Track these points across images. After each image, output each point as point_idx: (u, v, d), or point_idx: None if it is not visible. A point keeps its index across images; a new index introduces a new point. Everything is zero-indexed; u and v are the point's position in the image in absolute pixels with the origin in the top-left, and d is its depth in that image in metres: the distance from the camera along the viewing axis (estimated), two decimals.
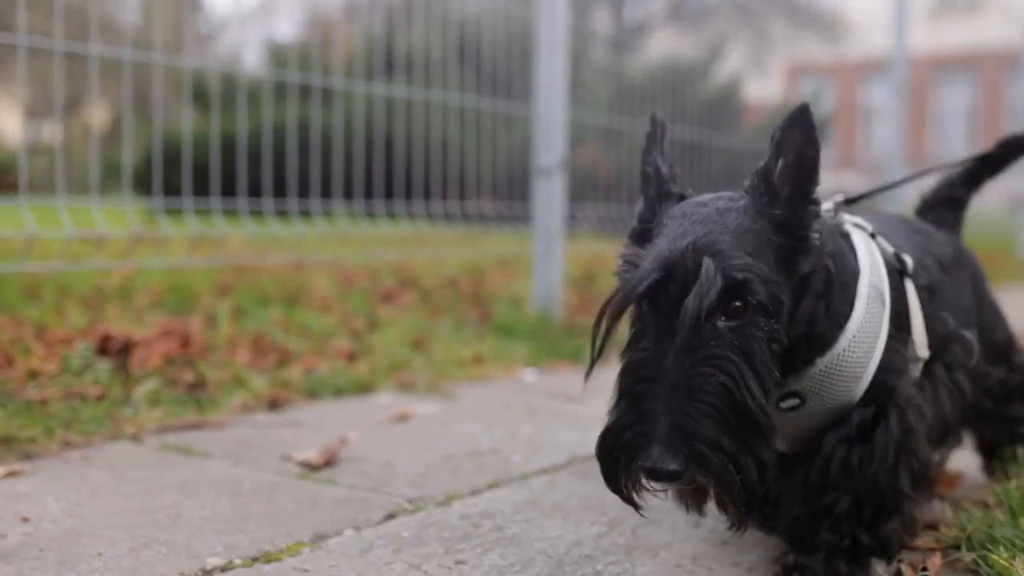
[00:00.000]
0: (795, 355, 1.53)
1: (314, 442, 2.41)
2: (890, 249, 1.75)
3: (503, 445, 2.48)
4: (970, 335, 1.84)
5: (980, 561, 1.59)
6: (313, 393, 2.98)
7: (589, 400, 3.03)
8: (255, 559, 1.66)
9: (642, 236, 1.56)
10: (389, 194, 4.94)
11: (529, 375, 3.52)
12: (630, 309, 1.43)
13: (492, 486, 2.12)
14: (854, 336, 1.58)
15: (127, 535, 1.75)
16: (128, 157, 4.53)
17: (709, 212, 1.48)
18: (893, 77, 8.11)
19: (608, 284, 5.44)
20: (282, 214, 4.25)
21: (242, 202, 4.02)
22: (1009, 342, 2.06)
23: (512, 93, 6.09)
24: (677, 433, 1.30)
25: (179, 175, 3.84)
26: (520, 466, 2.28)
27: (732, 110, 11.82)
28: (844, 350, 1.57)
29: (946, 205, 2.13)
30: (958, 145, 26.79)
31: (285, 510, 1.92)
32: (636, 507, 1.40)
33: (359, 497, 2.02)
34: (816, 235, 1.52)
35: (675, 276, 1.37)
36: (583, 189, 8.01)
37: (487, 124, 5.90)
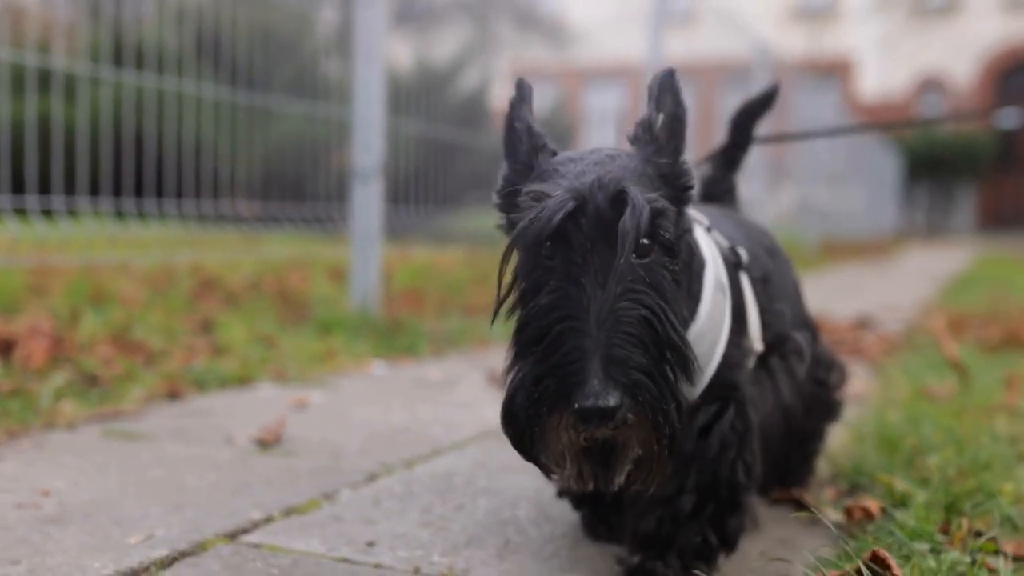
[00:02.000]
0: None
1: (240, 425, 2.74)
2: (725, 242, 1.81)
3: (413, 424, 2.90)
4: (799, 335, 1.95)
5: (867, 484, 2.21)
6: (200, 385, 3.28)
7: (455, 387, 3.51)
8: (287, 513, 2.03)
9: (515, 193, 1.53)
10: (159, 193, 4.99)
11: (379, 368, 3.92)
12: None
13: (435, 454, 2.54)
14: (700, 329, 1.63)
15: (153, 502, 2.05)
16: None
17: (599, 157, 1.51)
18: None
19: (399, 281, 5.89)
20: (20, 212, 4.24)
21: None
22: (815, 328, 2.19)
23: (269, 87, 6.36)
24: (612, 364, 1.29)
25: None
26: (445, 438, 2.71)
27: (481, 113, 12.49)
28: (691, 343, 1.53)
29: (728, 195, 2.25)
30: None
31: (275, 477, 2.27)
32: (549, 472, 1.43)
33: (328, 465, 2.39)
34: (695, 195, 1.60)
35: (585, 210, 1.38)
36: (345, 190, 8.38)
37: (242, 120, 6.07)
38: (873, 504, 2.02)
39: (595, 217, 1.39)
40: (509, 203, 1.57)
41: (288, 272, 6.30)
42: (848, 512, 2.03)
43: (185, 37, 6.68)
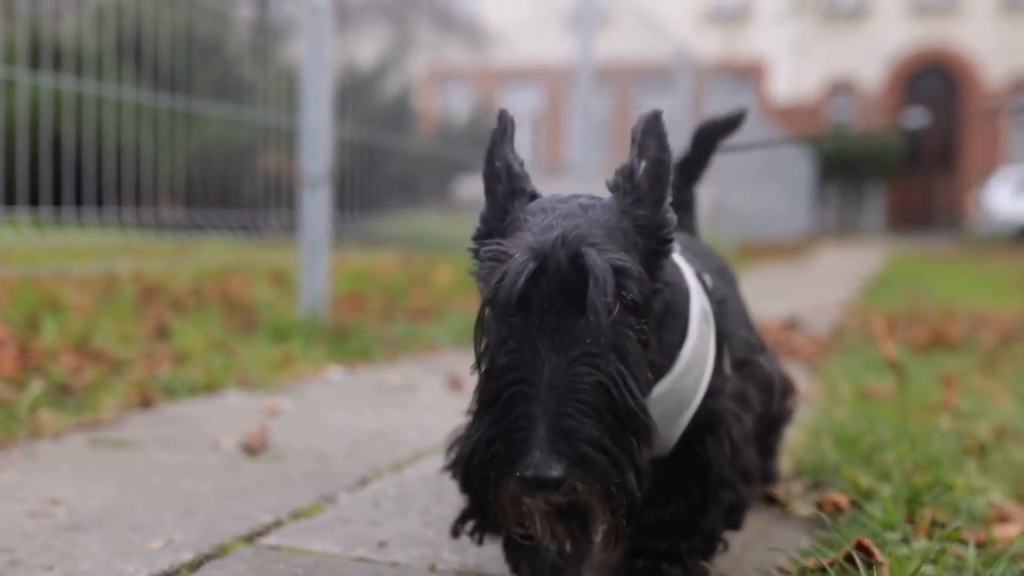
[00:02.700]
0: None
1: (220, 432, 2.83)
2: (693, 268, 1.80)
3: (388, 429, 3.01)
4: (763, 359, 2.02)
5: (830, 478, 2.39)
6: (170, 393, 3.35)
7: (417, 392, 3.63)
8: (295, 516, 2.13)
9: (489, 237, 1.54)
10: (79, 201, 4.92)
11: (336, 374, 4.02)
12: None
13: (418, 457, 2.66)
14: (687, 362, 1.63)
15: (161, 508, 2.14)
16: None
17: (572, 207, 1.48)
18: (579, 88, 9.13)
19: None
20: None
21: None
22: (765, 347, 2.20)
23: (192, 90, 6.39)
24: (558, 435, 1.27)
25: None
26: (422, 442, 2.83)
27: (406, 115, 12.58)
28: (677, 376, 1.62)
29: (683, 209, 2.19)
30: (597, 154, 29.30)
31: (270, 482, 2.37)
32: (509, 531, 1.42)
33: (318, 470, 2.50)
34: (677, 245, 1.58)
35: (547, 270, 1.36)
36: (270, 196, 8.41)
37: (164, 124, 6.04)
38: (842, 498, 2.20)
39: (555, 277, 1.36)
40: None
41: (227, 278, 6.33)
42: (819, 505, 2.20)
43: (105, 37, 6.65)
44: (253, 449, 2.67)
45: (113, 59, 5.79)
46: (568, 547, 1.45)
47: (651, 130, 1.54)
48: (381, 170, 8.73)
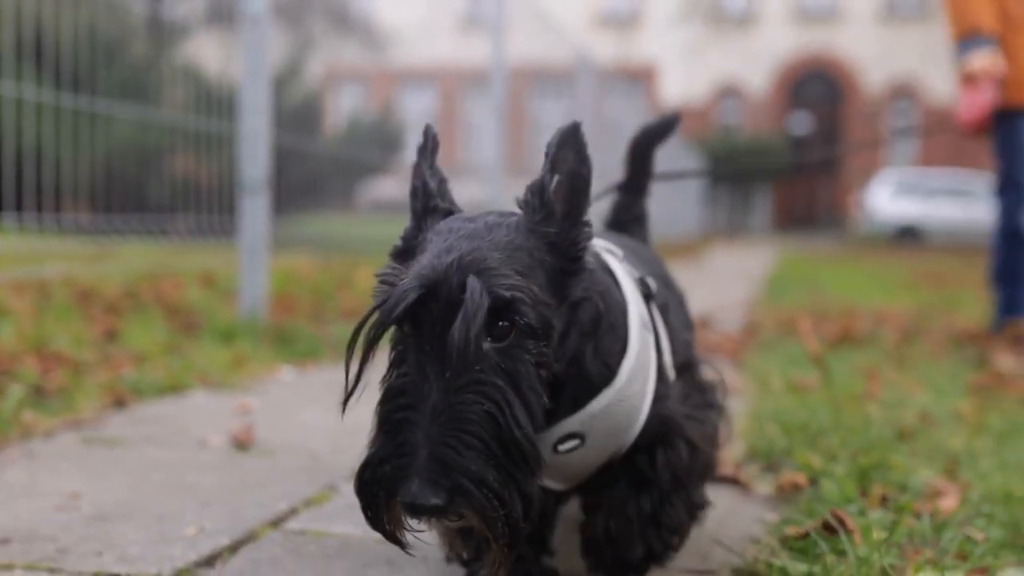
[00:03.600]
0: (563, 394, 1.57)
1: (201, 430, 2.97)
2: (636, 272, 1.81)
3: (361, 425, 3.16)
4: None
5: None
6: (139, 394, 3.46)
7: (374, 390, 3.79)
8: (307, 504, 2.30)
9: (405, 254, 1.54)
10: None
11: (287, 374, 4.16)
12: (391, 331, 1.41)
13: None
14: (631, 371, 1.63)
15: (180, 500, 2.28)
16: None
17: (477, 228, 1.46)
18: (494, 89, 9.31)
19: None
20: None
21: None
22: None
23: (95, 91, 6.39)
24: (437, 465, 1.27)
25: None
26: None
27: (313, 117, 12.64)
28: (622, 387, 1.62)
29: (636, 222, 2.31)
30: (486, 155, 29.58)
31: (269, 475, 2.52)
32: (402, 546, 1.39)
33: (311, 463, 2.65)
34: (590, 259, 1.57)
35: (438, 294, 1.35)
36: (178, 199, 8.43)
37: (69, 125, 5.98)
38: (800, 477, 2.46)
39: (446, 302, 1.35)
40: (399, 261, 1.54)
41: (156, 282, 6.38)
42: (779, 485, 2.45)
43: (4, 35, 6.59)
44: (243, 444, 2.81)
45: (12, 58, 5.69)
46: (465, 557, 1.56)
47: (568, 142, 1.51)
48: (288, 173, 8.79)
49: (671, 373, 1.78)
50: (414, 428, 1.30)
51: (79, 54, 5.87)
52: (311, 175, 11.76)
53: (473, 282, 1.33)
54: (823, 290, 9.25)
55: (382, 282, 1.41)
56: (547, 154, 1.51)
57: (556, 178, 1.51)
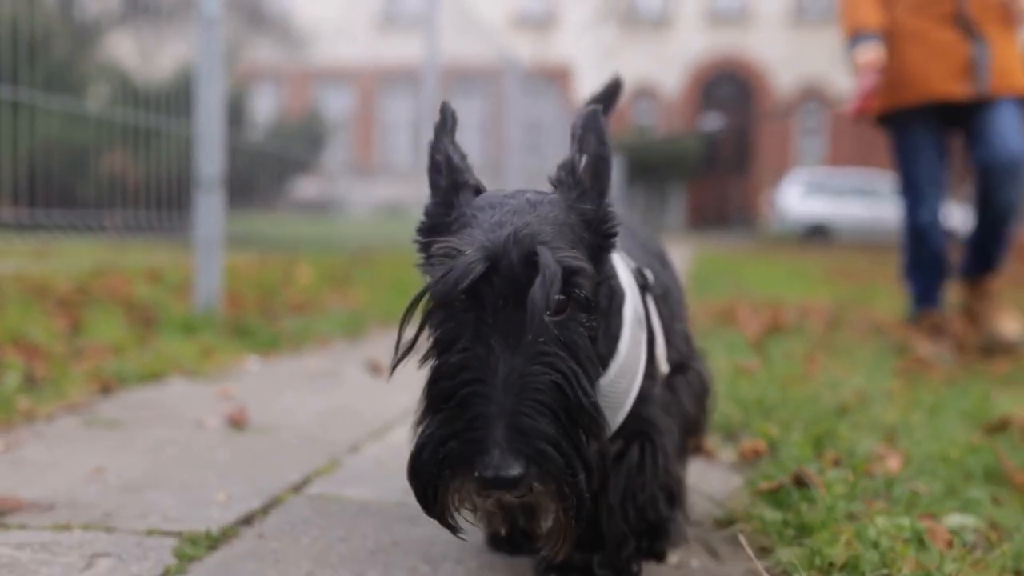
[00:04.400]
0: None
1: (193, 413, 3.15)
2: (632, 263, 1.81)
3: (340, 407, 3.37)
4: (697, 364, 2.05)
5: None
6: (123, 381, 3.61)
7: (342, 378, 4.00)
8: (317, 474, 2.50)
9: (434, 231, 1.55)
10: None
11: (254, 364, 4.33)
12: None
13: (388, 428, 3.04)
14: (620, 367, 1.64)
15: (197, 474, 2.46)
16: None
17: (520, 203, 1.48)
18: (426, 89, 9.50)
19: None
20: None
21: None
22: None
23: (18, 83, 6.45)
24: (517, 434, 1.28)
25: None
26: (380, 417, 3.21)
27: (237, 113, 12.70)
28: (611, 382, 1.62)
29: None
30: (403, 155, 29.71)
31: (274, 451, 2.71)
32: (455, 530, 1.39)
33: (307, 441, 2.84)
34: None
35: (499, 268, 1.36)
36: (112, 196, 8.47)
37: None
38: (760, 444, 2.73)
39: (507, 275, 1.36)
40: (427, 244, 1.55)
41: (103, 278, 6.47)
42: (742, 452, 2.73)
43: None
44: (239, 424, 3.00)
45: None
46: (504, 533, 1.49)
47: (590, 126, 1.57)
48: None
49: (664, 367, 1.80)
50: (486, 401, 1.29)
51: (1, 49, 5.89)
52: (239, 173, 11.82)
53: (545, 251, 1.35)
54: (745, 285, 9.62)
55: (442, 255, 1.40)
56: (573, 135, 1.58)
57: (584, 158, 1.56)
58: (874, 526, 1.91)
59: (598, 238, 1.55)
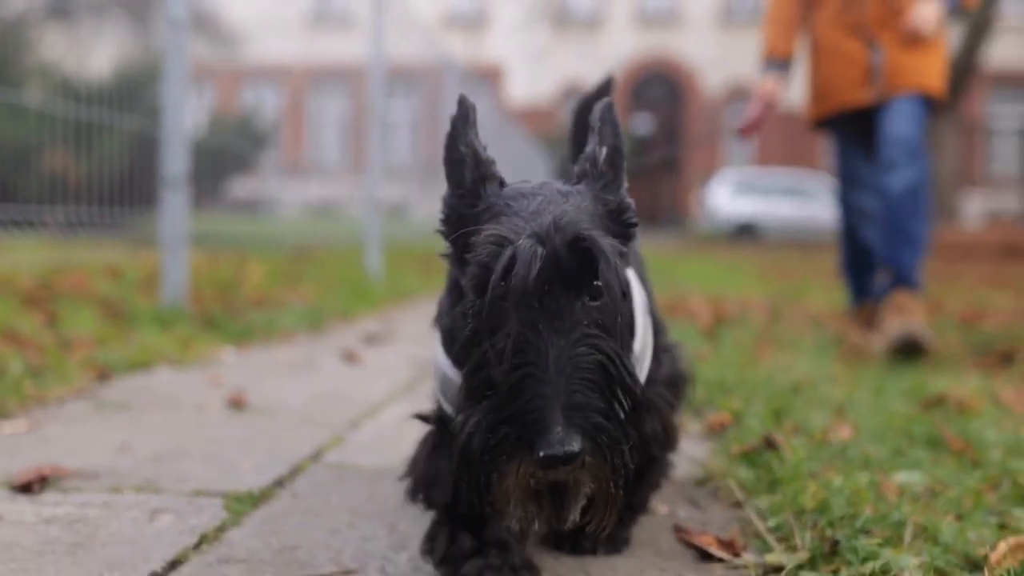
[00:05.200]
0: None
1: (192, 397, 3.37)
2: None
3: (328, 391, 3.62)
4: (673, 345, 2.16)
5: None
6: (114, 370, 3.82)
7: (320, 366, 4.24)
8: (327, 448, 2.75)
9: (461, 222, 1.59)
10: None
11: (229, 355, 4.55)
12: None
13: (377, 409, 3.30)
14: (638, 353, 1.71)
15: (217, 448, 2.70)
16: None
17: (552, 193, 1.53)
18: (372, 88, 9.70)
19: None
20: None
21: None
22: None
23: None
24: (573, 410, 1.33)
25: None
26: (367, 399, 3.46)
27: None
28: (636, 361, 1.67)
29: None
30: (334, 153, 29.81)
31: (279, 429, 2.95)
32: (507, 518, 1.43)
33: (308, 420, 3.09)
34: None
35: (544, 255, 1.40)
36: (54, 192, 8.56)
37: None
38: (725, 417, 3.04)
39: (552, 261, 1.40)
40: (457, 231, 1.60)
41: (66, 275, 6.61)
42: (709, 424, 3.03)
43: None
44: (240, 406, 3.23)
45: None
46: (537, 525, 1.48)
47: (607, 118, 1.64)
48: (152, 167, 8.96)
49: (646, 360, 1.84)
50: (541, 384, 1.34)
51: None
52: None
53: (599, 237, 1.43)
54: (681, 282, 9.98)
55: (493, 243, 1.45)
56: (592, 128, 1.65)
57: (604, 150, 1.64)
58: (837, 480, 2.22)
59: (620, 227, 1.63)
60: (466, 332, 1.49)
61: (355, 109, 30.44)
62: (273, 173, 22.40)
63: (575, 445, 1.30)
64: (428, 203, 16.36)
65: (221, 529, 2.01)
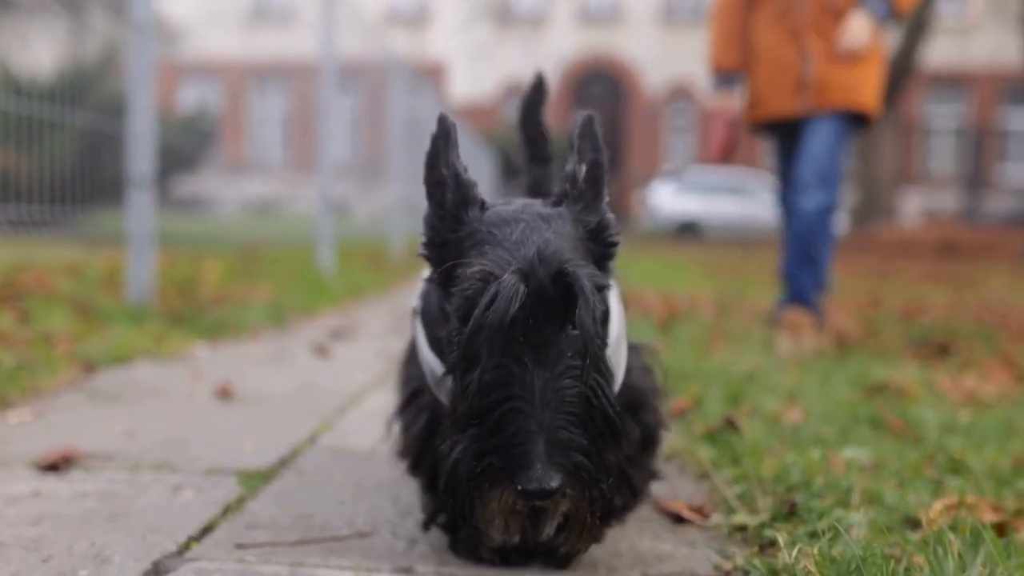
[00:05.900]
0: None
1: (180, 388, 3.58)
2: None
3: (308, 382, 3.84)
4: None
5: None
6: (98, 362, 4.00)
7: (293, 359, 4.45)
8: (320, 433, 2.98)
9: (444, 247, 1.61)
10: None
11: (201, 350, 4.74)
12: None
13: (360, 398, 3.53)
14: (615, 340, 1.73)
15: (218, 434, 2.91)
16: None
17: (533, 219, 1.55)
18: (323, 87, 9.83)
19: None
20: None
21: None
22: None
23: None
24: (554, 448, 1.37)
25: None
26: (348, 388, 3.69)
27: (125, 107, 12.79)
28: (612, 352, 1.67)
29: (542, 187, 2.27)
30: (276, 151, 29.82)
31: (270, 417, 3.16)
32: (488, 537, 1.50)
33: (296, 408, 3.31)
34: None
35: (529, 287, 1.43)
36: (4, 191, 8.63)
37: None
38: (685, 401, 3.32)
39: (536, 293, 1.43)
40: (440, 256, 1.63)
41: (25, 273, 6.74)
42: (671, 409, 3.30)
43: None
44: (228, 396, 3.45)
45: None
46: (515, 539, 1.54)
47: (586, 132, 1.64)
48: (101, 164, 9.05)
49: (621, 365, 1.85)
50: (526, 418, 1.39)
51: None
52: (122, 167, 11.97)
53: (580, 274, 1.45)
54: (627, 279, 10.28)
55: (479, 279, 1.48)
56: (571, 144, 1.67)
57: (584, 167, 1.65)
58: (792, 455, 2.50)
59: (601, 247, 1.65)
60: (451, 360, 1.53)
61: (297, 106, 30.50)
62: (214, 171, 22.39)
63: (554, 483, 1.36)
64: (368, 202, 16.54)
65: (241, 500, 2.24)
